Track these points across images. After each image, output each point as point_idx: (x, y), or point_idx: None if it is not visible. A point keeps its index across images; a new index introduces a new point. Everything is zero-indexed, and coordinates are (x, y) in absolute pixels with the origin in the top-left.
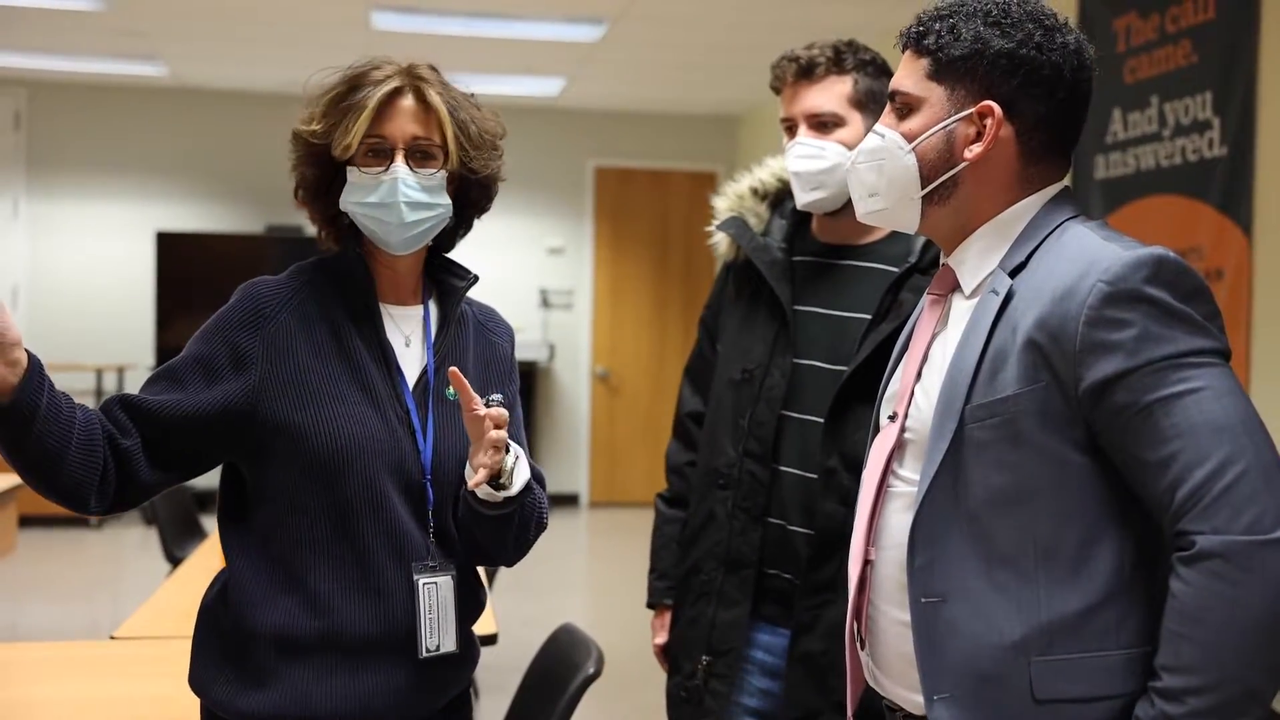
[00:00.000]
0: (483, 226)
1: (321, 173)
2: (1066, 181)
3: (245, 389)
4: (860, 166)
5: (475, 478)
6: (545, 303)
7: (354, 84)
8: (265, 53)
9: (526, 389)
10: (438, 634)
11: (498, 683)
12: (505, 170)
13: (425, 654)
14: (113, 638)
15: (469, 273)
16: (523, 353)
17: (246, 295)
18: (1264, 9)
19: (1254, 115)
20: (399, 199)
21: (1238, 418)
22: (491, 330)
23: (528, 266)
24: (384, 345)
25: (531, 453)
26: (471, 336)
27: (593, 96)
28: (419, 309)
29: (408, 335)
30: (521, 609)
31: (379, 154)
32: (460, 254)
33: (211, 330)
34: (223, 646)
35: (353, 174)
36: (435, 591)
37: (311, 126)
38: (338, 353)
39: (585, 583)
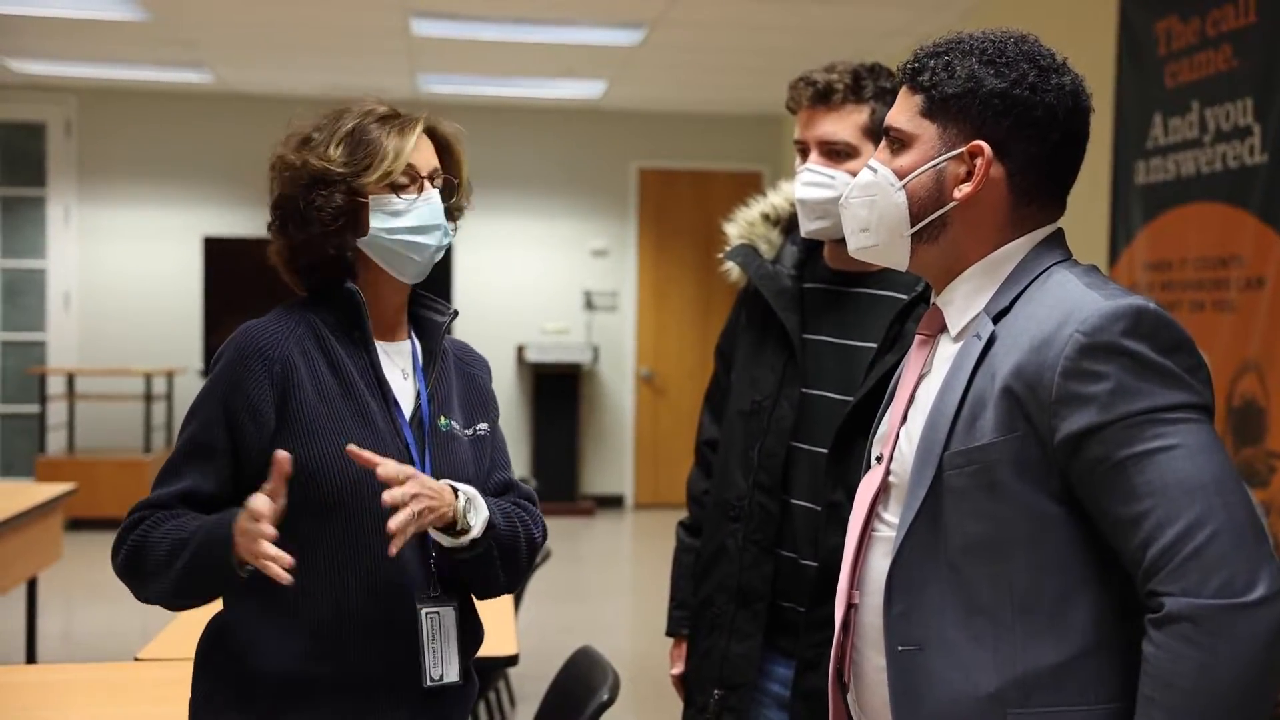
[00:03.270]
0: (527, 229)
1: (344, 203)
2: (1059, 224)
3: (264, 437)
4: (853, 201)
5: (440, 537)
6: (589, 304)
7: (365, 116)
8: (308, 59)
9: (571, 390)
10: (441, 664)
11: (536, 691)
12: (549, 173)
13: (429, 684)
14: (137, 659)
15: (448, 307)
16: (567, 355)
17: (247, 342)
18: None
19: None
20: (440, 221)
21: (1210, 477)
22: (470, 364)
23: (572, 268)
24: (382, 381)
25: (575, 454)
26: (454, 371)
27: (635, 98)
28: (408, 343)
29: (403, 369)
30: (565, 614)
31: (411, 181)
32: (505, 257)
33: (220, 389)
34: (225, 696)
35: (384, 202)
36: (438, 622)
37: (330, 158)
38: (339, 390)
39: (630, 587)
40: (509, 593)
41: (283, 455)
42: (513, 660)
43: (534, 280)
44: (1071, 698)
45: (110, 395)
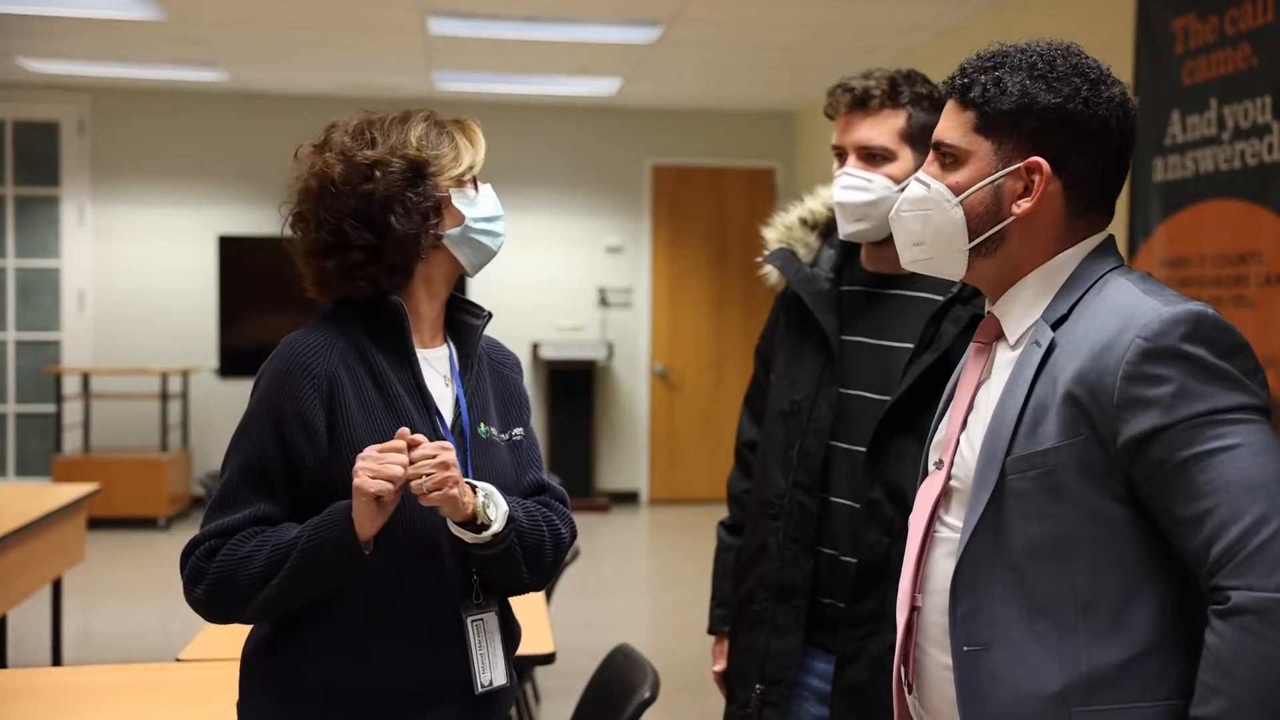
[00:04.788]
0: (542, 226)
1: (441, 196)
2: (1109, 231)
3: (319, 456)
4: (905, 215)
5: (461, 533)
6: (604, 301)
7: (426, 117)
8: (324, 58)
9: (586, 387)
10: (489, 669)
11: (561, 686)
12: (564, 170)
13: (480, 690)
14: (178, 660)
15: (483, 310)
16: (581, 351)
17: (293, 359)
18: None
19: None
20: (501, 210)
21: (1273, 475)
22: (503, 364)
23: (586, 265)
24: (423, 390)
25: (590, 451)
26: (488, 372)
27: (649, 95)
28: (445, 349)
29: (444, 375)
30: (583, 611)
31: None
32: (520, 254)
33: (270, 410)
34: (270, 703)
35: (461, 194)
36: (483, 628)
37: (425, 150)
38: (383, 403)
39: (646, 583)
40: (537, 590)
41: (402, 430)
42: (550, 658)
43: (549, 277)
44: (1133, 695)
45: (126, 394)
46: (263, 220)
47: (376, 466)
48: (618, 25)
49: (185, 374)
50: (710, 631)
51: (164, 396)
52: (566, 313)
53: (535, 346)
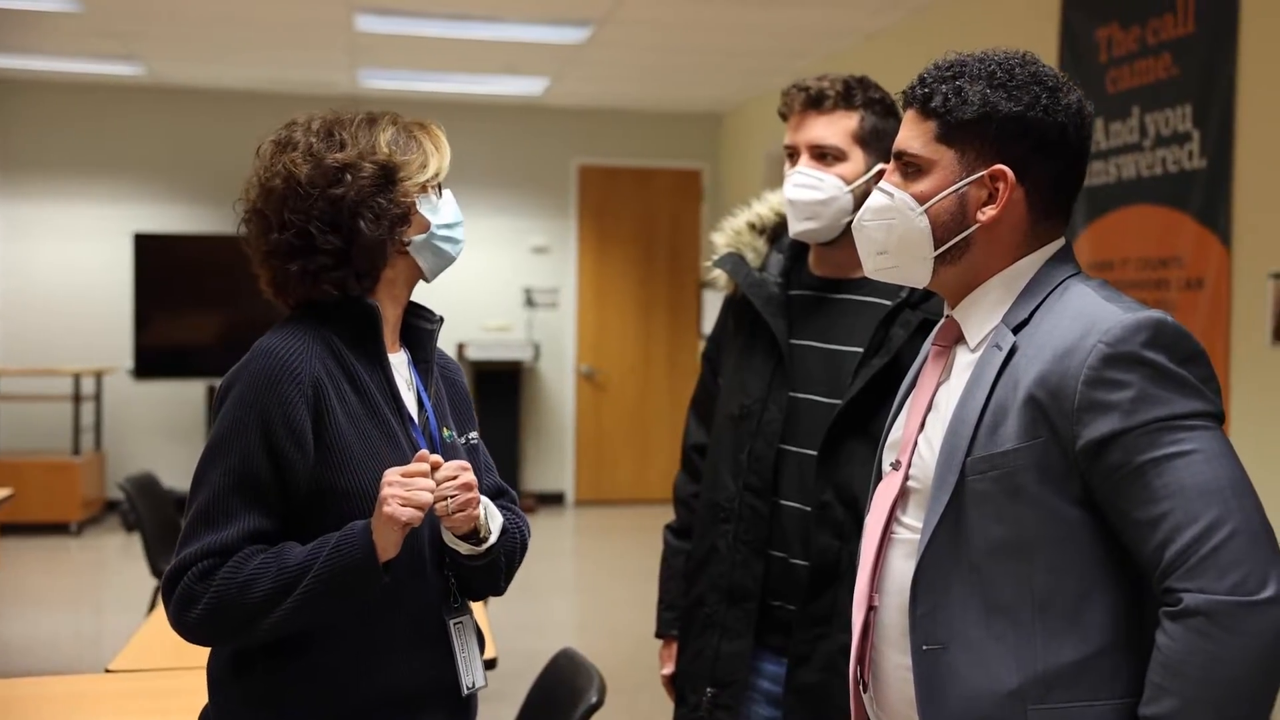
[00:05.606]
0: (468, 225)
1: (409, 201)
2: (1064, 240)
3: (308, 465)
4: (868, 224)
5: (459, 545)
6: (530, 301)
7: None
8: (246, 53)
9: (512, 388)
10: (471, 671)
11: (494, 689)
12: (489, 169)
13: (466, 691)
14: (108, 670)
15: (436, 315)
16: (508, 352)
17: (273, 364)
18: (1242, 24)
19: (1232, 128)
20: (461, 216)
21: (1227, 481)
22: (451, 370)
23: (512, 265)
24: (397, 395)
25: (517, 452)
26: (440, 378)
27: (577, 95)
28: (403, 354)
29: (406, 380)
30: (513, 613)
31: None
32: None
33: (254, 417)
34: (253, 715)
35: (430, 199)
36: (464, 630)
37: (392, 155)
38: (364, 409)
39: (574, 584)
40: (501, 594)
41: (423, 453)
42: (492, 663)
43: (474, 277)
44: (1087, 693)
45: (36, 396)
46: (181, 218)
47: (405, 494)
48: (547, 25)
49: (99, 375)
50: (658, 635)
51: (76, 398)
52: (492, 313)
53: (461, 347)
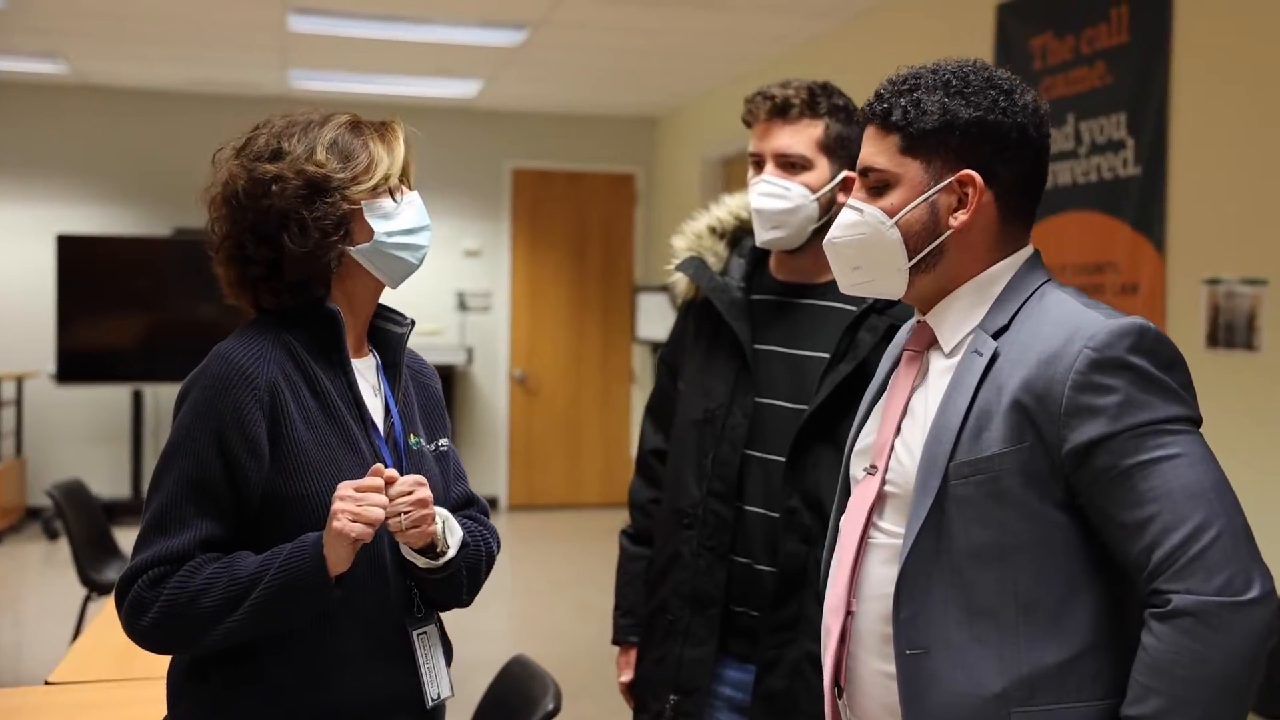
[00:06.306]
0: None
1: (345, 211)
2: (1034, 247)
3: (262, 472)
4: (839, 241)
5: (416, 559)
6: (463, 305)
7: (339, 125)
8: (173, 51)
9: (445, 392)
10: (436, 682)
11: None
12: (422, 172)
13: (431, 703)
14: (49, 682)
15: (406, 318)
16: (441, 355)
17: (228, 369)
18: (1175, 34)
19: (1166, 136)
20: (427, 220)
21: (1210, 483)
22: (423, 373)
23: (445, 269)
24: (359, 401)
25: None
26: (411, 382)
27: (510, 98)
28: (372, 358)
29: (372, 385)
30: (450, 619)
31: (399, 184)
32: None
33: (209, 422)
34: None
35: (376, 206)
36: (427, 640)
37: (327, 165)
38: (323, 416)
39: (509, 588)
40: (466, 607)
41: (378, 467)
42: None
43: (407, 281)
44: (1070, 695)
45: None
46: (105, 219)
47: (356, 509)
48: (481, 27)
49: (19, 379)
50: (615, 642)
51: None
52: (425, 316)
53: None
